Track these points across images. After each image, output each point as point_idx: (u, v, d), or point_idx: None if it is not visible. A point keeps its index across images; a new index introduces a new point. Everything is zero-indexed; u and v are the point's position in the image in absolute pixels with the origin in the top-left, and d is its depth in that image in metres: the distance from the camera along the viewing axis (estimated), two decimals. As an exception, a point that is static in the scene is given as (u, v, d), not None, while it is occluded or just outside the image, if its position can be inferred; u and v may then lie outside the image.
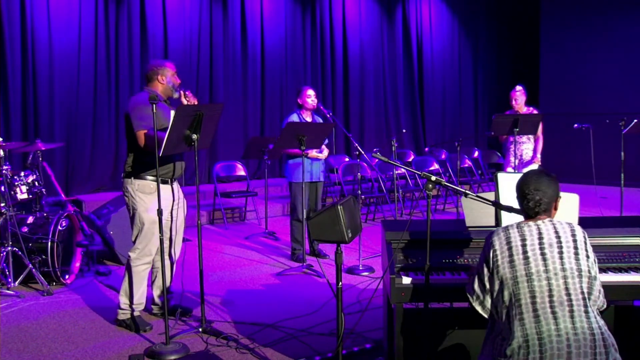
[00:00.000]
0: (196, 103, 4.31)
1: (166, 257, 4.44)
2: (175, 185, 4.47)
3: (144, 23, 8.96)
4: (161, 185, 4.21)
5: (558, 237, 2.53)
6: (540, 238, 2.53)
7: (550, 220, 2.59)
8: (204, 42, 9.65)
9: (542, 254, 2.49)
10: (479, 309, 2.65)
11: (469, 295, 2.69)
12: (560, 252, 2.50)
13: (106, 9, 8.56)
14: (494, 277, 2.56)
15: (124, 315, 4.37)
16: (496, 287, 2.55)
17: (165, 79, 4.42)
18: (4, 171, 5.27)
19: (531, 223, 2.59)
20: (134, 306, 4.36)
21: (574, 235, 2.55)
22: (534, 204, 2.58)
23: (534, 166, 7.03)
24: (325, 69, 11.21)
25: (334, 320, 4.20)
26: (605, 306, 2.58)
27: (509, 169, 7.08)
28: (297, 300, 5.01)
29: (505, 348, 2.47)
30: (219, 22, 9.82)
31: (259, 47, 10.32)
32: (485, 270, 2.60)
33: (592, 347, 2.41)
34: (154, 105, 3.89)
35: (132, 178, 4.31)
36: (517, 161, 6.98)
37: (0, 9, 7.52)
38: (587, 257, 2.53)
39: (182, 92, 4.37)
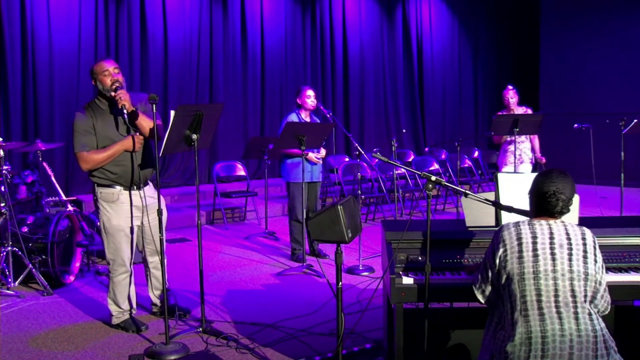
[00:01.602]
0: (126, 98, 3.93)
1: (154, 259, 4.40)
2: (147, 189, 4.26)
3: (144, 23, 8.95)
4: (125, 192, 4.15)
5: (569, 238, 2.53)
6: (552, 238, 2.52)
7: (562, 222, 2.59)
8: (204, 42, 9.65)
9: (552, 254, 2.49)
10: (480, 297, 2.72)
11: (473, 285, 2.75)
12: (570, 254, 2.50)
13: (106, 9, 8.56)
14: (500, 270, 2.56)
15: (117, 320, 4.33)
16: (502, 280, 2.56)
17: (98, 83, 4.08)
18: (4, 171, 5.27)
19: (542, 221, 2.57)
20: (124, 312, 4.32)
21: (584, 239, 2.54)
22: (564, 205, 2.55)
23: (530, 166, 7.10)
24: (325, 69, 11.20)
25: (334, 320, 4.20)
26: (607, 311, 2.58)
27: (505, 169, 7.08)
28: (297, 300, 5.01)
29: (506, 344, 2.48)
30: (219, 22, 9.82)
31: (259, 47, 10.32)
32: (491, 262, 2.61)
33: (594, 349, 2.42)
34: (92, 117, 3.83)
35: (96, 186, 4.19)
36: (517, 161, 6.98)
37: (0, 9, 7.52)
38: (595, 261, 2.54)
39: (113, 94, 3.99)
